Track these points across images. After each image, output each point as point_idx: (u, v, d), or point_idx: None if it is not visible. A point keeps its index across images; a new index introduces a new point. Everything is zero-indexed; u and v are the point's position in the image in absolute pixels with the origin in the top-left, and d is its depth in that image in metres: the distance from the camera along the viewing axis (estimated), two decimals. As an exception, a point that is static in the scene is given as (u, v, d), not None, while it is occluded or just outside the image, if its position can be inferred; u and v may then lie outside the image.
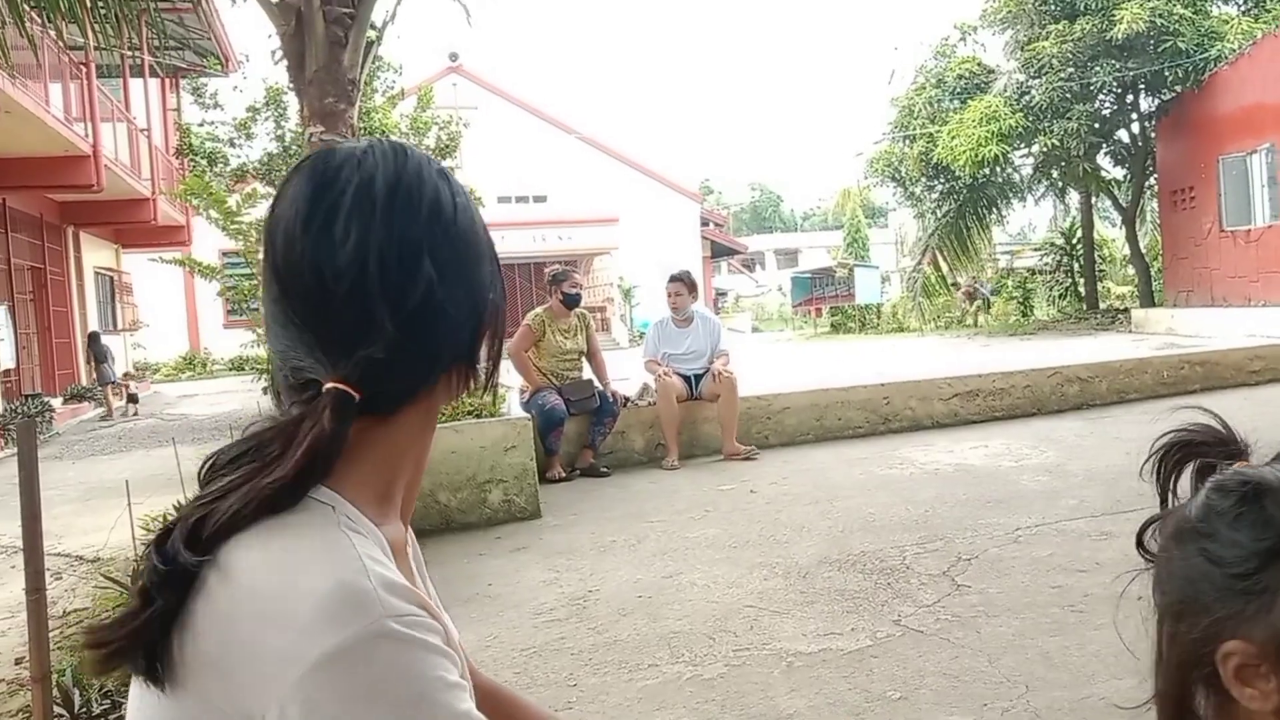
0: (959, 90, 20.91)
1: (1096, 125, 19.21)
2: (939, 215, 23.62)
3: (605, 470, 6.84)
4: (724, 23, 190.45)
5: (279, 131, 13.94)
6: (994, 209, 23.71)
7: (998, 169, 20.60)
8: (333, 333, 0.80)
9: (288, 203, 0.83)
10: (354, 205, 0.81)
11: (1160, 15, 17.02)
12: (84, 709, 2.80)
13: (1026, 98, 18.75)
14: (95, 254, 19.14)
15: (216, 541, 0.75)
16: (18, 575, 2.59)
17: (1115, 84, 18.50)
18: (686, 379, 7.27)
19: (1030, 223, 47.65)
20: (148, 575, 0.75)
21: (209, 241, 17.93)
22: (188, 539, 0.75)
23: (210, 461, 0.83)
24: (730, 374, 7.19)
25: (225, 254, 17.74)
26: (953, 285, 25.53)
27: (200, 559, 0.74)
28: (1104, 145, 20.87)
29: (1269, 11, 17.69)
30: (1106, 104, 19.84)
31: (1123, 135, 20.83)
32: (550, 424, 6.67)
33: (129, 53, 14.74)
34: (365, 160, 0.84)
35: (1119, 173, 22.19)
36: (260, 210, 11.97)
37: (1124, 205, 21.85)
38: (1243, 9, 18.84)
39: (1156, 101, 19.26)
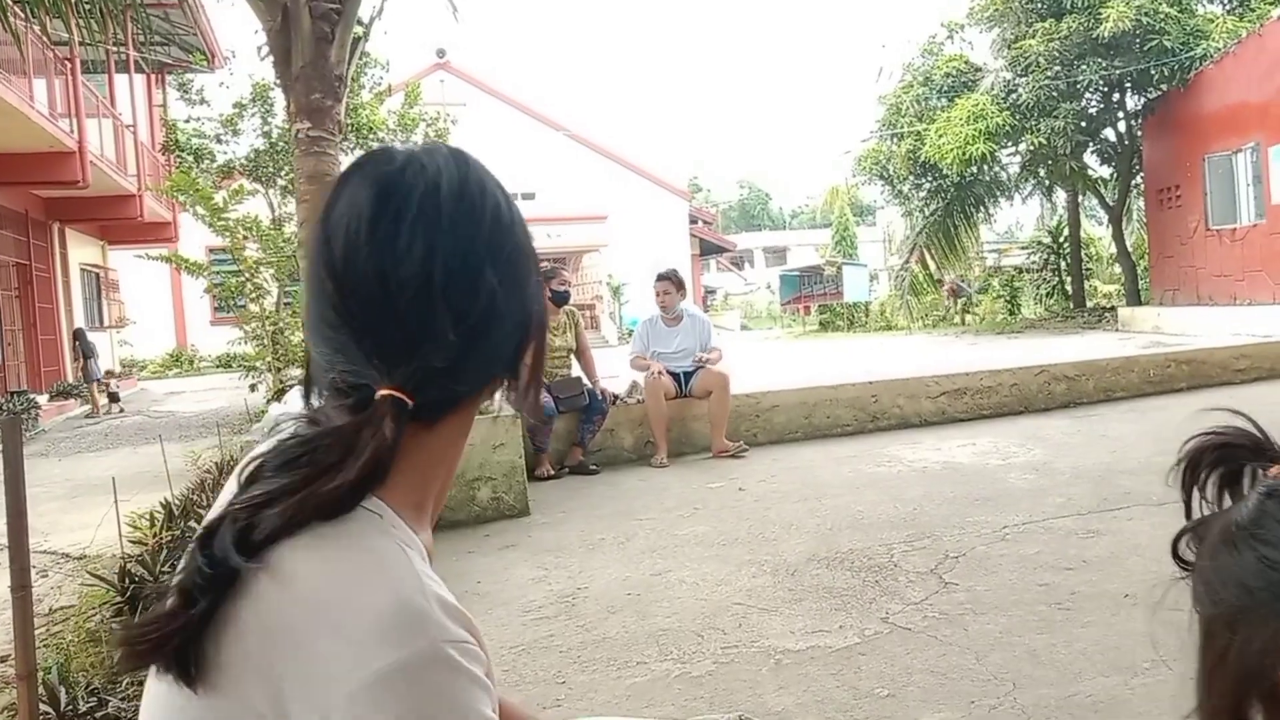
0: (946, 88, 20.98)
1: (1083, 124, 19.30)
2: (927, 213, 23.70)
3: (594, 468, 6.84)
4: (712, 20, 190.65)
5: (265, 127, 13.90)
6: (981, 207, 23.80)
7: (985, 167, 20.69)
8: (393, 339, 0.79)
9: (347, 204, 0.82)
10: (420, 213, 0.80)
11: (1146, 14, 17.12)
12: (70, 707, 2.79)
13: (1013, 96, 18.84)
14: (81, 250, 19.02)
15: (268, 545, 0.74)
16: (2, 572, 2.57)
17: (1102, 82, 18.60)
18: (676, 376, 7.28)
19: (1017, 221, 47.80)
20: (192, 575, 0.74)
21: (196, 238, 17.86)
22: (237, 541, 0.74)
23: (257, 463, 0.81)
24: (723, 371, 7.21)
25: (212, 250, 17.69)
26: (937, 282, 25.61)
27: (253, 563, 0.73)
28: (1090, 144, 20.96)
29: (1254, 10, 17.79)
30: (1093, 103, 19.93)
31: (1109, 134, 20.94)
32: (539, 421, 6.66)
33: (114, 48, 14.65)
34: (429, 166, 0.83)
35: (1105, 171, 22.31)
36: (247, 206, 11.94)
37: (1110, 204, 21.97)
38: (1228, 8, 18.95)
39: (1143, 100, 19.37)
